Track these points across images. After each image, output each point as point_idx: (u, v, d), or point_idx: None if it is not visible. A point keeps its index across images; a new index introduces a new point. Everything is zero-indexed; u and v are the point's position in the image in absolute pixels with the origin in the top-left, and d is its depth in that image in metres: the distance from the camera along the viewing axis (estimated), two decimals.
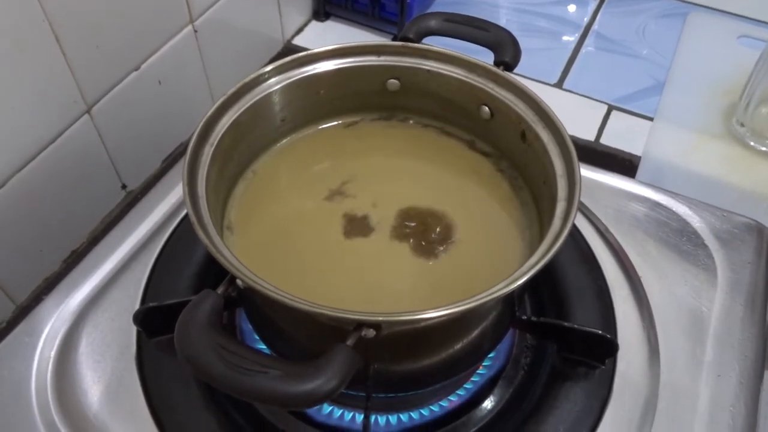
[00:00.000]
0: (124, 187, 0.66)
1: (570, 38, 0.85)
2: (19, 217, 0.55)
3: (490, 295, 0.35)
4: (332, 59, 0.48)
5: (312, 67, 0.47)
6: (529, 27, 0.87)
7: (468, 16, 0.49)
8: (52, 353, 0.49)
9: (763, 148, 0.71)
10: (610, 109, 0.76)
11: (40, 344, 0.50)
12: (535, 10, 0.89)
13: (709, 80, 0.78)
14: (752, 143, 0.71)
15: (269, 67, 0.46)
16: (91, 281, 0.53)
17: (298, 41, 0.85)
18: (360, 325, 0.35)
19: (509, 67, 0.47)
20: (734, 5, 0.88)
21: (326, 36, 0.85)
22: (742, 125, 0.72)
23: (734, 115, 0.73)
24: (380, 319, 0.35)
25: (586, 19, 0.88)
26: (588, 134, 0.73)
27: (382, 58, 0.48)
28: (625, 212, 0.58)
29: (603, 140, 0.73)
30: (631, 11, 0.89)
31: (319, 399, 0.32)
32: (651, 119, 0.75)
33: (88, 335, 0.50)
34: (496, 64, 0.47)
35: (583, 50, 0.84)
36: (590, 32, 0.86)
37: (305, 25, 0.87)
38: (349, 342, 0.34)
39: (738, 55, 0.80)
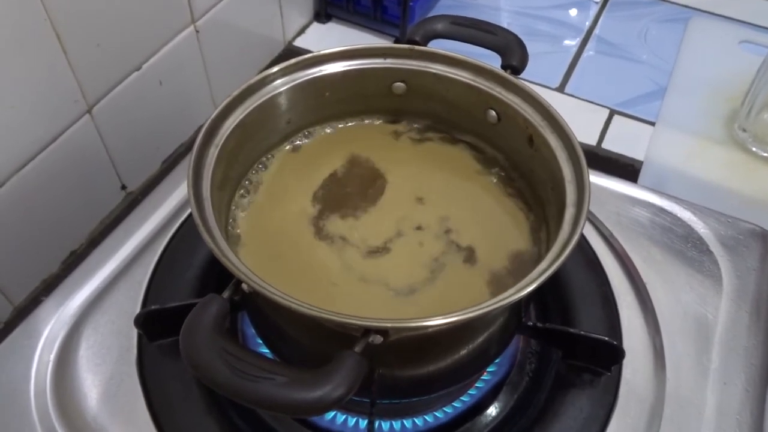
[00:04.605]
0: (123, 187, 0.65)
1: (571, 42, 0.85)
2: (18, 218, 0.55)
3: (499, 302, 0.35)
4: (339, 61, 0.47)
5: (318, 69, 0.47)
6: (530, 31, 0.86)
7: (475, 20, 0.49)
8: (52, 356, 0.48)
9: (765, 154, 0.70)
10: (612, 113, 0.76)
11: (39, 347, 0.49)
12: (536, 14, 0.89)
13: (711, 85, 0.78)
14: (754, 149, 0.71)
15: (275, 69, 0.45)
16: (92, 283, 0.52)
17: (299, 43, 0.84)
18: (367, 331, 0.34)
19: (516, 71, 0.47)
20: (735, 10, 0.88)
21: (328, 38, 0.85)
22: (744, 131, 0.72)
23: (736, 120, 0.73)
24: (388, 325, 0.34)
25: (587, 23, 0.88)
26: (590, 139, 0.73)
27: (389, 60, 0.48)
28: (629, 217, 0.58)
29: (605, 145, 0.72)
30: (632, 16, 0.89)
31: (326, 407, 0.32)
32: (653, 124, 0.74)
33: (87, 338, 0.50)
34: (503, 67, 0.47)
35: (584, 54, 0.83)
36: (592, 36, 0.86)
37: (306, 26, 0.86)
38: (357, 348, 0.33)
39: (740, 60, 0.80)
